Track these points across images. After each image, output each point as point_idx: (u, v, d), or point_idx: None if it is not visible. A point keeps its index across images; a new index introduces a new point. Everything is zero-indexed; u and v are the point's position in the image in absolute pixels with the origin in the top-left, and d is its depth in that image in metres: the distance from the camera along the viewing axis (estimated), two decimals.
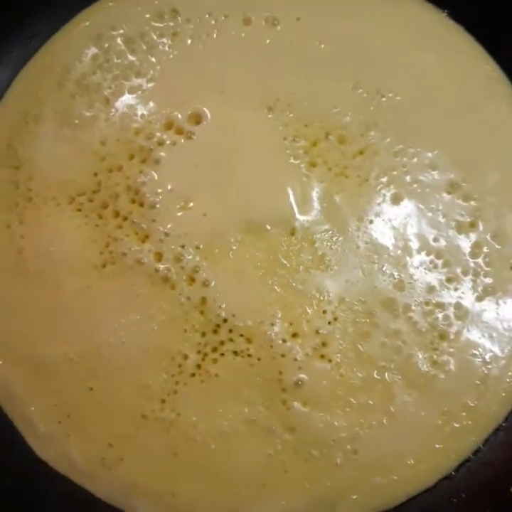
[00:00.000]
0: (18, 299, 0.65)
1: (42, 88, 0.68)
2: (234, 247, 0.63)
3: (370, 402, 0.62)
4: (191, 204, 0.64)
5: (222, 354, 0.62)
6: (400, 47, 0.68)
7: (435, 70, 0.69)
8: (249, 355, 0.62)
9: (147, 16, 0.68)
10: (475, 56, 0.70)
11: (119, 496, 0.63)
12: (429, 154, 0.66)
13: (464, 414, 0.63)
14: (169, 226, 0.64)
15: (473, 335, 0.63)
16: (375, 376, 0.62)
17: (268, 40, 0.68)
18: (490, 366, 0.63)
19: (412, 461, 0.62)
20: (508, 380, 0.63)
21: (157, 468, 0.62)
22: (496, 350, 0.63)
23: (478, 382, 0.63)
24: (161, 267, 0.63)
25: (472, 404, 0.63)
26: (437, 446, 0.62)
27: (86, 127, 0.67)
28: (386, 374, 0.62)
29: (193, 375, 0.62)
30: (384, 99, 0.67)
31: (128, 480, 0.62)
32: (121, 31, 0.68)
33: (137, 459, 0.62)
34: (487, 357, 0.63)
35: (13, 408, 0.65)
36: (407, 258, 0.64)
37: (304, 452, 0.61)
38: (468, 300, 0.63)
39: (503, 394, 0.63)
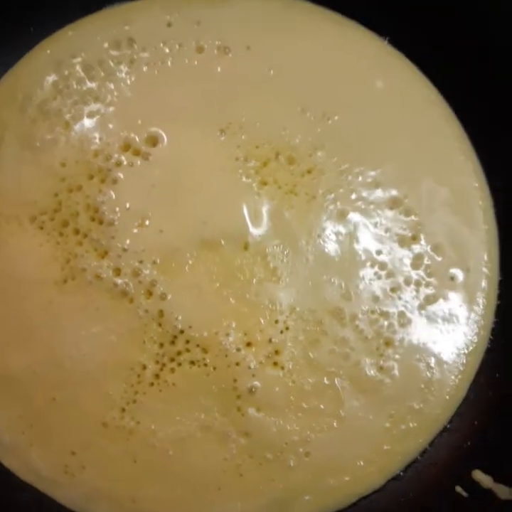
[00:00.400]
0: None
1: (4, 114, 0.75)
2: (190, 262, 0.70)
3: (321, 407, 0.69)
4: (148, 221, 0.71)
5: (180, 364, 0.69)
6: (344, 72, 0.78)
7: (377, 94, 0.78)
8: (205, 365, 0.69)
9: (105, 45, 0.76)
10: (414, 80, 0.80)
11: (82, 503, 0.68)
12: (373, 173, 0.74)
13: (409, 417, 0.70)
14: (127, 242, 0.71)
15: (417, 341, 0.71)
16: (325, 382, 0.69)
17: (219, 68, 0.76)
18: (434, 371, 0.71)
19: (362, 463, 0.69)
20: (451, 383, 0.71)
21: (118, 474, 0.68)
22: (439, 355, 0.71)
23: (422, 386, 0.70)
24: (120, 281, 0.70)
25: (417, 407, 0.70)
26: (385, 447, 0.69)
27: (47, 150, 0.73)
28: (335, 380, 0.69)
29: (152, 384, 0.68)
30: (330, 121, 0.76)
31: (90, 486, 0.68)
32: (80, 59, 0.76)
33: (99, 465, 0.68)
34: (431, 362, 0.71)
35: None
36: (353, 270, 0.71)
37: (258, 456, 0.68)
38: (411, 308, 0.71)
39: (447, 397, 0.71)
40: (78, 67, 0.75)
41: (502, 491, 0.63)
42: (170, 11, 0.78)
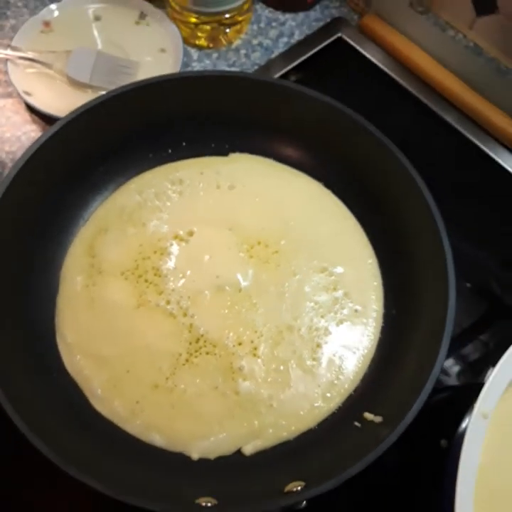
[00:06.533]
0: (87, 321, 0.96)
1: (109, 218, 1.04)
2: (208, 298, 0.97)
3: (279, 380, 0.93)
4: (188, 273, 1.00)
5: (201, 353, 0.93)
6: (295, 203, 1.10)
7: (315, 216, 1.08)
8: (214, 354, 0.92)
9: (167, 182, 1.10)
10: (339, 210, 1.12)
11: (141, 432, 0.90)
12: (313, 255, 1.08)
13: (331, 387, 0.93)
14: (174, 286, 0.99)
15: (335, 344, 0.97)
16: (281, 368, 0.94)
17: (228, 196, 1.06)
18: (344, 362, 0.91)
19: (302, 413, 0.91)
20: (354, 368, 0.95)
21: (163, 415, 0.89)
22: (347, 353, 0.97)
23: (337, 370, 0.90)
24: (169, 307, 0.96)
25: (335, 382, 0.93)
26: (316, 404, 0.91)
27: (132, 237, 1.03)
28: (288, 364, 0.94)
29: (184, 364, 0.92)
30: (289, 228, 1.05)
31: (147, 422, 0.89)
32: (153, 190, 1.05)
33: (152, 409, 0.90)
34: (343, 356, 0.93)
35: (83, 382, 0.91)
36: (300, 304, 0.97)
37: (244, 406, 0.89)
38: (331, 326, 0.98)
39: (351, 377, 0.93)
40: (151, 195, 1.06)
41: (377, 419, 0.94)
42: (202, 168, 1.07)
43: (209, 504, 0.73)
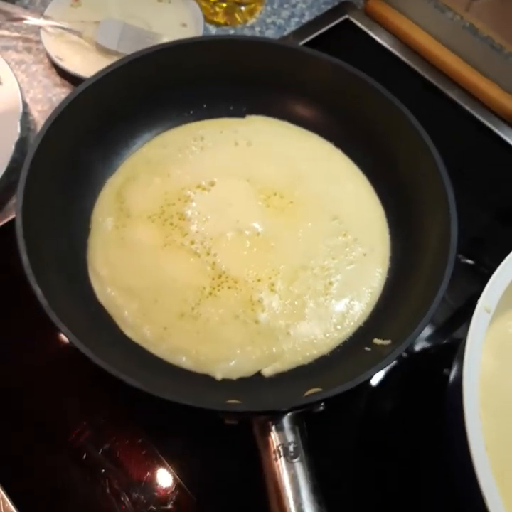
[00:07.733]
0: (117, 258, 1.04)
1: (135, 168, 1.12)
2: (229, 240, 1.05)
3: (295, 312, 1.00)
4: (210, 218, 1.09)
5: (223, 287, 1.01)
6: (308, 158, 1.18)
7: (328, 171, 1.20)
8: (235, 288, 1.00)
9: (190, 139, 1.20)
10: (349, 167, 1.20)
11: (168, 354, 0.96)
12: (326, 205, 1.21)
13: (342, 319, 1.01)
14: (197, 229, 1.08)
15: (344, 282, 1.04)
16: (296, 302, 1.02)
17: (246, 152, 1.17)
18: (353, 297, 1.01)
19: (315, 341, 0.98)
20: (361, 304, 1.05)
21: (189, 340, 0.97)
22: (356, 290, 1.06)
23: (347, 305, 1.00)
24: (193, 246, 1.04)
25: (346, 315, 1.01)
26: (327, 335, 0.99)
27: (158, 185, 1.09)
28: (303, 298, 1.02)
29: (208, 296, 1.00)
30: (301, 180, 1.12)
31: (174, 346, 0.96)
32: (176, 145, 1.14)
33: (178, 336, 0.97)
34: (352, 292, 1.03)
35: (113, 310, 0.99)
36: (313, 246, 1.06)
37: (263, 333, 0.96)
38: (341, 267, 1.05)
39: (360, 312, 1.01)
40: (175, 149, 1.14)
41: (386, 342, 1.07)
42: (221, 128, 1.16)
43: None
